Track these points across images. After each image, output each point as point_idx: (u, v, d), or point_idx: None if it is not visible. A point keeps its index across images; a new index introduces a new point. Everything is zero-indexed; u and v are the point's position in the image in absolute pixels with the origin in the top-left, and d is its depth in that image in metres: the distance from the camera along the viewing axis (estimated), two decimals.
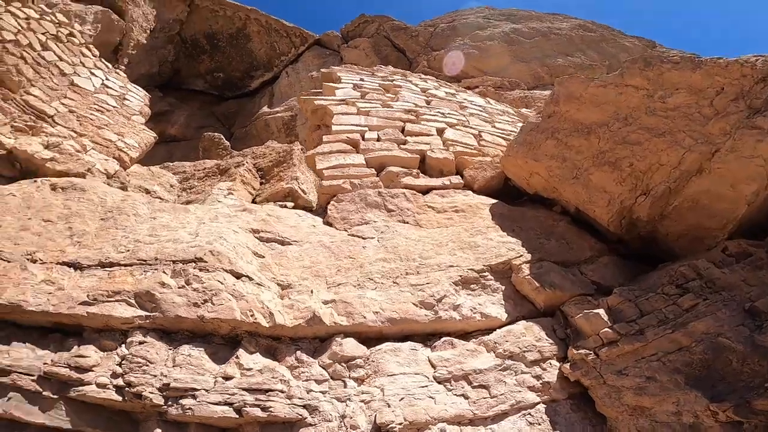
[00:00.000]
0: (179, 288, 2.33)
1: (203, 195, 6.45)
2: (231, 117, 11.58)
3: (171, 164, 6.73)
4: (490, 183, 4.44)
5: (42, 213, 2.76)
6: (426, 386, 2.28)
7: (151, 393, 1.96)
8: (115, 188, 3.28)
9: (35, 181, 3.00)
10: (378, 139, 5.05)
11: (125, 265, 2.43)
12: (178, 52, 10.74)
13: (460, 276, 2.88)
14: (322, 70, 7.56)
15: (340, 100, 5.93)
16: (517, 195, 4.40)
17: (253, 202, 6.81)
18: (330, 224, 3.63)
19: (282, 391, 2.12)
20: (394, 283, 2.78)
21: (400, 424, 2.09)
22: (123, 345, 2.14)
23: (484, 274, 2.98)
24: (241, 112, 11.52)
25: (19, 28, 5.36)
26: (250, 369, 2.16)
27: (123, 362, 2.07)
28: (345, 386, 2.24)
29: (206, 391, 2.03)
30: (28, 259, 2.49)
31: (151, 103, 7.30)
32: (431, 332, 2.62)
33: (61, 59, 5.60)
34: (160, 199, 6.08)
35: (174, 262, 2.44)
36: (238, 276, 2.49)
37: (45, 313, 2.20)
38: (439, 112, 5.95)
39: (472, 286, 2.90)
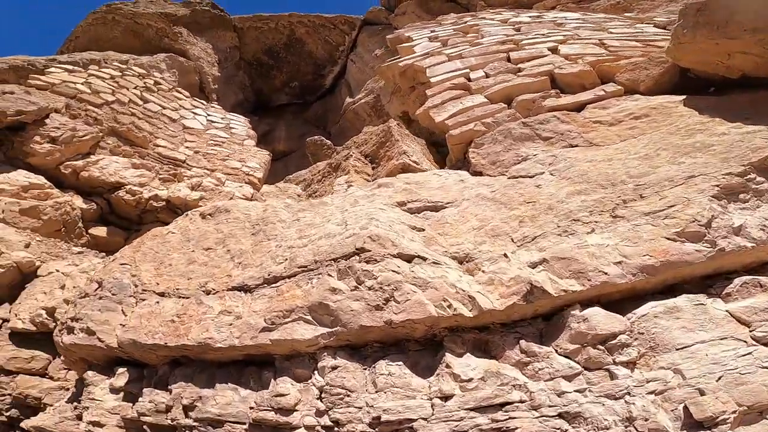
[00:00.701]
0: (352, 291, 1.84)
1: (327, 195, 6.29)
2: (322, 118, 11.54)
3: (291, 176, 6.78)
4: (660, 81, 3.35)
5: (201, 242, 2.61)
6: (749, 353, 1.39)
7: None
8: (254, 202, 3.03)
9: (187, 215, 2.91)
10: (487, 76, 4.25)
11: (288, 277, 2.07)
12: (250, 74, 10.96)
13: (718, 186, 1.84)
14: (388, 37, 6.79)
15: (423, 54, 5.24)
16: (698, 87, 3.19)
17: None
18: (479, 173, 2.91)
19: (522, 402, 1.48)
20: (614, 217, 1.90)
21: (734, 412, 1.27)
22: (316, 372, 1.76)
23: (750, 176, 1.89)
24: (329, 110, 11.40)
25: (112, 87, 5.72)
26: (469, 379, 1.56)
27: (323, 395, 1.68)
28: (611, 377, 1.48)
29: (425, 420, 1.50)
30: (202, 291, 2.33)
31: (253, 126, 7.53)
32: (712, 273, 1.68)
33: (164, 107, 5.90)
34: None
35: (335, 260, 1.98)
36: (408, 259, 1.92)
37: (232, 347, 1.94)
38: (538, 33, 4.90)
39: (740, 195, 1.84)
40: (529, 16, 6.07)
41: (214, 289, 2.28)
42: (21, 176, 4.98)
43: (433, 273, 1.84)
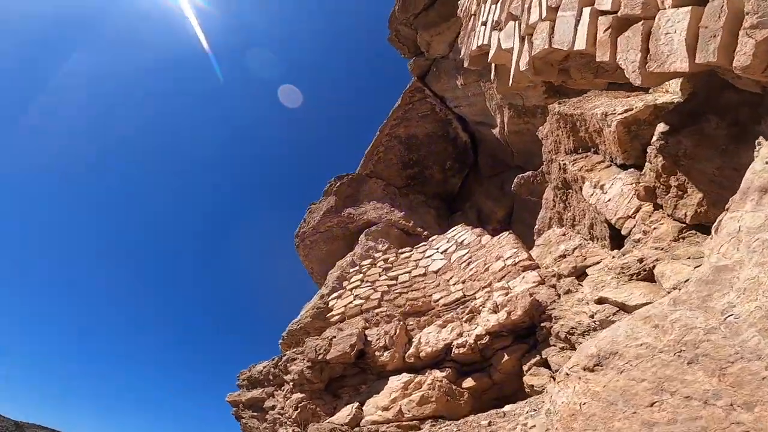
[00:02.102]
0: None
1: (585, 212, 5.07)
2: (496, 161, 10.60)
3: (537, 227, 5.99)
4: None
5: (632, 400, 1.91)
6: None
7: None
8: (625, 322, 2.21)
9: (569, 376, 2.31)
10: None
11: None
12: (416, 190, 10.85)
13: None
14: (466, 65, 5.99)
15: (520, 41, 4.08)
16: None
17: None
18: None
19: None
20: None
21: None
22: None
23: None
24: (495, 152, 10.53)
25: (369, 287, 6.35)
26: None
27: None
28: None
29: None
30: None
31: (466, 223, 7.31)
32: None
33: (409, 272, 6.22)
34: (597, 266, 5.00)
35: None
36: None
37: None
38: None
39: None
40: None
41: None
42: (396, 381, 5.69)
43: None
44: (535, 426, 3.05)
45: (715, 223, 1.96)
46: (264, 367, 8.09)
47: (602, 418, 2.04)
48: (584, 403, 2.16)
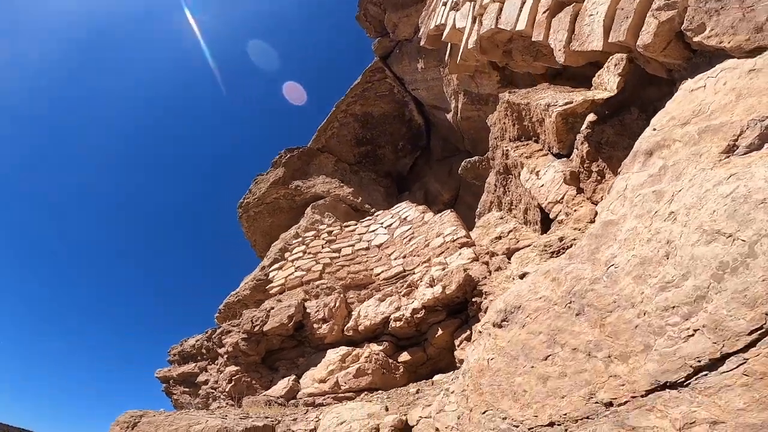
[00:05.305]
0: None
1: (522, 199, 5.39)
2: (448, 146, 10.89)
3: (479, 210, 6.26)
4: None
5: (532, 354, 2.10)
6: None
7: None
8: (529, 279, 2.35)
9: (481, 333, 2.48)
10: None
11: (747, 347, 1.26)
12: (368, 167, 10.84)
13: None
14: (423, 44, 5.92)
15: (473, 22, 4.31)
16: None
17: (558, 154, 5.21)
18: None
19: None
20: None
21: None
22: None
23: None
24: (446, 137, 10.78)
25: (311, 259, 6.29)
26: None
27: None
28: None
29: None
30: (600, 405, 1.73)
31: (413, 200, 7.42)
32: None
33: (353, 245, 6.20)
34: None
35: None
36: None
37: None
38: None
39: None
40: None
41: (613, 399, 1.64)
42: (333, 354, 5.73)
43: None
44: (455, 390, 3.22)
45: (609, 185, 2.17)
46: (197, 341, 7.78)
47: (506, 373, 2.22)
48: (492, 359, 2.33)
